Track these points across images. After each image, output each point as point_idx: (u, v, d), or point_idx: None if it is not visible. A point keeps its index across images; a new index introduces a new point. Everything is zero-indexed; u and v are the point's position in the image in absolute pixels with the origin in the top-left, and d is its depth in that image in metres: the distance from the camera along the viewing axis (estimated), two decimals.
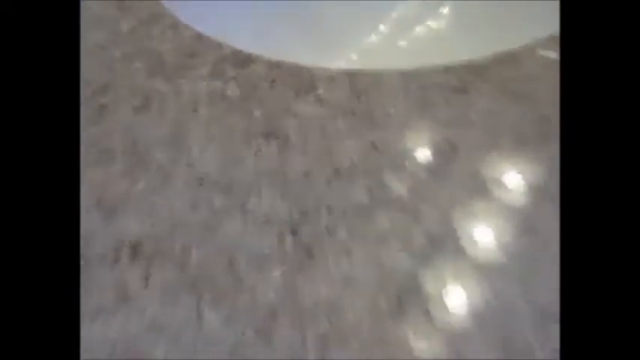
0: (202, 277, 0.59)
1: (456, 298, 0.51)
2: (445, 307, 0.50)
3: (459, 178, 0.65)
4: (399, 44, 0.95)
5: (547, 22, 0.74)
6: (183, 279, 0.58)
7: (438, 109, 0.74)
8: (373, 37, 0.98)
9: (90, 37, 0.87)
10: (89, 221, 0.60)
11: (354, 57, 0.96)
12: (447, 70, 0.79)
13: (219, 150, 0.74)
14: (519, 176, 0.64)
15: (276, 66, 0.87)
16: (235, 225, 0.64)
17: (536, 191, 0.60)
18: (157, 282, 0.57)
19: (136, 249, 0.61)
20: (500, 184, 0.63)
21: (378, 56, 0.92)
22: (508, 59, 0.78)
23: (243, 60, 0.88)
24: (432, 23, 0.96)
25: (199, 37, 0.92)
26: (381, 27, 0.94)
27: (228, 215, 0.65)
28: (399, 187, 0.65)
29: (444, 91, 0.77)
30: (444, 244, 0.56)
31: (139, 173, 0.71)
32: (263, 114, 0.79)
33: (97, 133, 0.74)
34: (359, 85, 0.82)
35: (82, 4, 0.91)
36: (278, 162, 0.72)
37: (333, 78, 0.83)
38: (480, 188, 0.64)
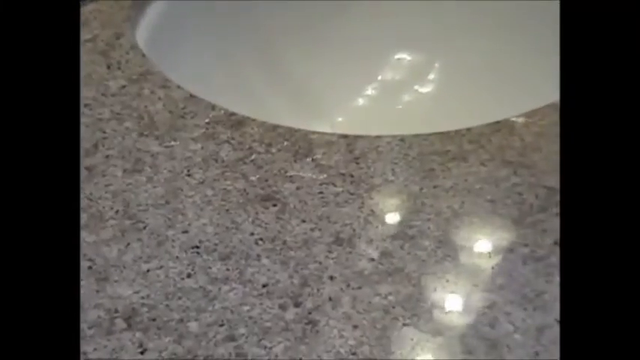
0: (201, 349, 0.63)
1: None
2: None
3: (462, 247, 0.71)
4: (390, 108, 1.04)
5: (544, 91, 0.85)
6: (181, 351, 0.61)
7: (437, 176, 0.81)
8: (361, 101, 1.07)
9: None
10: (80, 289, 0.63)
11: (343, 120, 1.03)
12: (444, 137, 0.87)
13: (214, 215, 0.78)
14: (522, 246, 0.71)
15: (270, 129, 0.92)
16: (234, 295, 0.68)
17: (538, 261, 0.67)
18: (154, 354, 0.60)
19: (130, 319, 0.64)
20: (502, 252, 0.70)
21: (370, 120, 1.00)
22: (505, 128, 0.87)
23: (236, 122, 0.92)
24: (421, 89, 1.07)
25: (191, 97, 0.98)
26: (369, 91, 1.03)
27: (227, 284, 0.69)
28: (402, 255, 0.71)
29: (443, 158, 0.83)
30: (451, 316, 0.62)
31: (132, 239, 0.75)
32: (260, 179, 0.83)
33: (85, 196, 0.78)
34: (357, 149, 0.88)
35: None
36: (277, 229, 0.76)
37: (330, 142, 0.89)
38: (482, 258, 0.71)
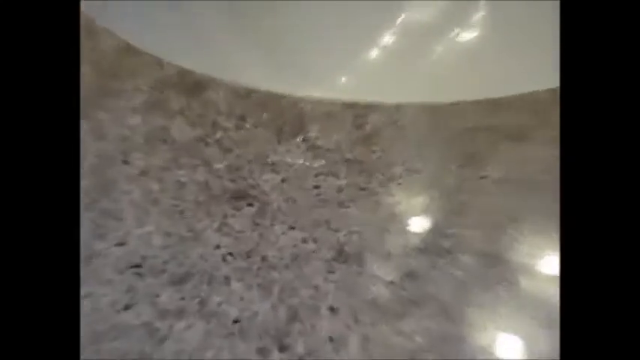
0: None
1: None
2: None
3: (522, 267, 0.69)
4: (413, 66, 1.01)
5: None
6: None
7: (484, 162, 0.80)
8: (374, 54, 1.04)
9: None
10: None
11: (349, 82, 1.01)
12: (491, 106, 0.85)
13: (164, 221, 0.76)
14: None
15: (243, 95, 0.91)
16: (193, 334, 0.65)
17: None
18: None
19: None
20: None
21: (386, 82, 0.97)
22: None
23: (194, 85, 0.92)
24: (463, 34, 1.04)
25: (128, 49, 0.95)
26: (385, 38, 1.01)
27: (182, 319, 0.66)
28: (433, 277, 0.69)
29: (491, 137, 0.82)
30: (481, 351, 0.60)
31: None
32: (229, 167, 0.82)
33: None
34: (368, 124, 0.87)
35: None
36: (253, 239, 0.75)
37: (329, 114, 0.88)
38: (551, 283, 0.68)
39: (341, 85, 0.98)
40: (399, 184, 0.80)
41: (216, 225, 0.76)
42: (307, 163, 0.82)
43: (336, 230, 0.75)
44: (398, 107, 0.89)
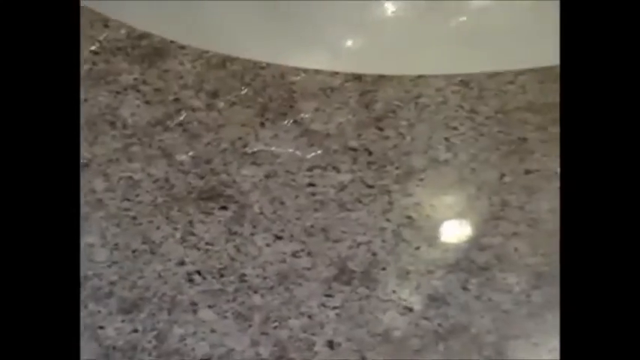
0: None
1: None
2: None
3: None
4: (438, 26, 1.00)
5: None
6: None
7: (531, 153, 0.81)
8: (388, 11, 1.03)
9: None
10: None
11: (354, 47, 1.00)
12: (529, 76, 0.86)
13: (110, 229, 0.77)
14: None
15: (217, 64, 0.92)
16: None
17: None
18: None
19: None
20: None
21: (401, 50, 0.97)
22: None
23: (151, 51, 0.92)
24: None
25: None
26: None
27: (134, 358, 0.67)
28: (466, 302, 0.70)
29: (541, 118, 0.83)
30: None
31: None
32: (196, 159, 0.83)
33: None
34: (379, 101, 0.87)
35: None
36: (228, 252, 0.75)
37: (328, 88, 0.89)
38: None
39: (344, 52, 0.98)
40: (420, 179, 0.80)
41: (179, 234, 0.76)
42: (299, 153, 0.82)
43: (337, 241, 0.76)
44: (418, 80, 0.89)
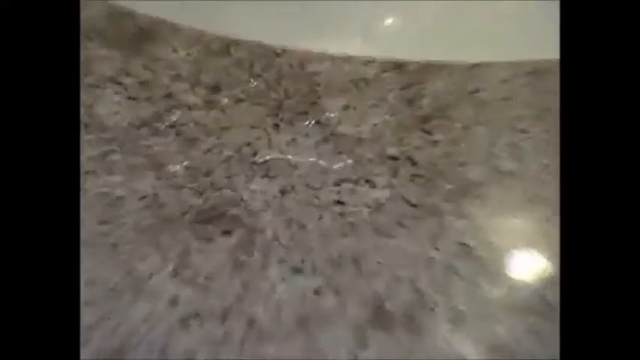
0: None
1: None
2: None
3: None
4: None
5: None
6: None
7: None
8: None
9: None
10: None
11: (390, 28, 1.01)
12: None
13: (85, 260, 0.77)
14: None
15: (221, 50, 0.93)
16: None
17: None
18: None
19: None
20: None
21: (454, 33, 0.98)
22: None
23: (137, 33, 0.95)
24: None
25: None
26: None
27: None
28: (523, 351, 0.70)
29: None
30: None
31: None
32: (193, 170, 0.84)
33: None
34: (426, 98, 0.88)
35: None
36: (233, 289, 0.76)
37: (361, 80, 0.89)
38: None
39: (380, 33, 0.98)
40: (479, 196, 0.81)
41: (171, 266, 0.77)
42: (323, 163, 0.83)
43: (371, 274, 0.76)
44: (476, 69, 0.90)
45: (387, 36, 0.96)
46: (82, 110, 0.88)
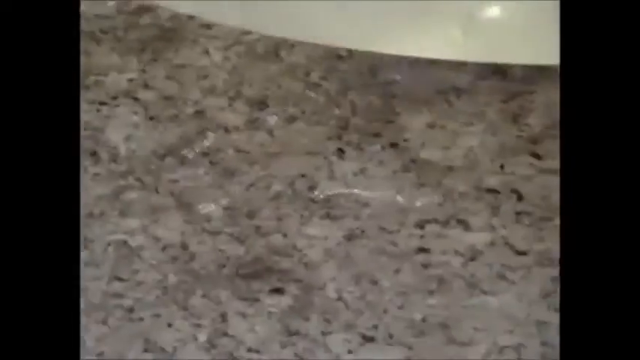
0: None
1: None
2: None
3: None
4: None
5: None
6: None
7: None
8: None
9: None
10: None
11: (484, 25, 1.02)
12: None
13: (94, 322, 0.79)
14: None
15: (268, 53, 0.95)
16: None
17: None
18: None
19: None
20: None
21: None
22: None
23: (159, 33, 0.97)
24: None
25: None
26: None
27: None
28: None
29: None
30: None
31: None
32: (232, 210, 0.85)
33: None
34: (536, 110, 0.90)
35: None
36: None
37: (449, 90, 0.91)
38: None
39: (475, 29, 0.99)
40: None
41: (204, 336, 0.78)
42: (401, 199, 0.84)
43: (466, 343, 0.77)
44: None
45: (482, 32, 0.96)
46: (86, 134, 0.88)
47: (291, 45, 0.96)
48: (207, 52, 0.94)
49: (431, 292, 0.79)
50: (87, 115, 0.90)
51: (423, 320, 0.77)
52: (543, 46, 0.93)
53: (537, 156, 0.86)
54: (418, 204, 0.84)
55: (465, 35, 1.04)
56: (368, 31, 0.96)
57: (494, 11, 1.11)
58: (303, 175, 0.86)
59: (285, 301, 0.80)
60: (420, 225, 0.83)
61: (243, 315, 0.79)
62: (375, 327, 0.77)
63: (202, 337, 0.77)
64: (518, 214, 0.83)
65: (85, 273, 0.81)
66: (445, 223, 0.82)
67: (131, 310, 0.79)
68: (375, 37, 0.94)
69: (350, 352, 0.76)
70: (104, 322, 0.78)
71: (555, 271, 0.79)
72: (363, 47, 0.93)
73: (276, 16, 0.99)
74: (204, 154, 0.88)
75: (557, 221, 0.81)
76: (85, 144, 0.88)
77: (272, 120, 0.89)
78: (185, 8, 0.97)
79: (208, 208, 0.85)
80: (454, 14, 1.06)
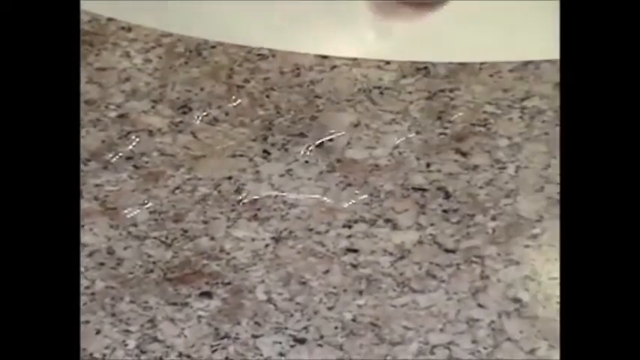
0: None
1: None
2: None
3: None
4: None
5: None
6: None
7: None
8: None
9: None
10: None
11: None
12: None
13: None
14: None
15: (190, 55, 0.95)
16: None
17: None
18: None
19: None
20: None
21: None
22: None
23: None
24: None
25: None
26: None
27: None
28: None
29: None
30: None
31: None
32: (158, 214, 0.85)
33: None
34: (459, 106, 0.90)
35: None
36: None
37: (373, 89, 0.90)
38: None
39: (398, 29, 0.98)
40: (534, 236, 0.83)
41: (133, 341, 0.78)
42: (328, 200, 0.85)
43: (396, 342, 0.77)
44: (524, 70, 0.92)
45: (405, 32, 0.97)
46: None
47: (212, 46, 0.95)
48: (128, 55, 0.93)
49: (360, 292, 0.79)
50: None
51: (354, 320, 0.78)
52: (466, 44, 0.94)
53: (462, 153, 0.86)
54: (345, 204, 0.84)
55: (386, 34, 1.04)
56: (290, 30, 0.95)
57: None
58: (229, 178, 0.86)
59: (214, 304, 0.80)
60: (348, 225, 0.84)
61: (173, 320, 0.79)
62: (306, 328, 0.77)
63: (132, 343, 0.77)
64: (445, 211, 0.83)
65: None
66: (373, 223, 0.83)
67: None
68: (297, 37, 0.94)
69: (281, 354, 0.76)
70: None
71: (481, 269, 0.80)
72: (286, 47, 0.93)
73: (197, 18, 0.98)
74: (129, 158, 0.87)
75: (479, 217, 0.82)
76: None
77: (196, 122, 0.89)
78: (104, 11, 0.96)
79: (133, 212, 0.84)
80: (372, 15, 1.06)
